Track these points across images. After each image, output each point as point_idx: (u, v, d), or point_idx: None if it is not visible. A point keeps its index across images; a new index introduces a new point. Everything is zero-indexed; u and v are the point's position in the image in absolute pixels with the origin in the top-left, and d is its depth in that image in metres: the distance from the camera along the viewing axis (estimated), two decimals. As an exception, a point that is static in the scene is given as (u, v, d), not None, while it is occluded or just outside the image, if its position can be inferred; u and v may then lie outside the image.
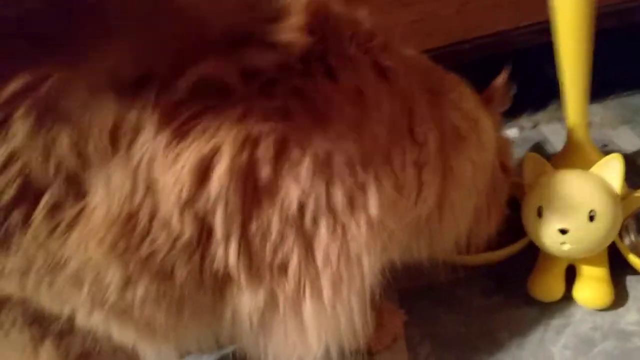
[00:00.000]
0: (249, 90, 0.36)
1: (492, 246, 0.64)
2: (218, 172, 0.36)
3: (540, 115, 0.87)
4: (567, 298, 0.57)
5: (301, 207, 0.38)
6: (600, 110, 0.85)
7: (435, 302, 0.62)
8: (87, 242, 0.35)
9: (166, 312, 0.39)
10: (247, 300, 0.40)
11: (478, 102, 0.53)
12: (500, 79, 0.58)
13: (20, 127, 0.32)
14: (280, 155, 0.37)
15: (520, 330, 0.56)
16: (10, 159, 0.33)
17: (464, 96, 0.51)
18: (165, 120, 0.35)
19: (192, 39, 0.35)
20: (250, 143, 0.36)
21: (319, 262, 0.40)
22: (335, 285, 0.41)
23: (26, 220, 0.34)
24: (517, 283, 0.60)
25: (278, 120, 0.37)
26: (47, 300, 0.37)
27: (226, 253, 0.38)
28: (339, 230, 0.40)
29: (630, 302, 0.56)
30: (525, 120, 0.88)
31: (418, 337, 0.58)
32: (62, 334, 0.40)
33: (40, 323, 0.40)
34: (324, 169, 0.38)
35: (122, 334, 0.40)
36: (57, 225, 0.34)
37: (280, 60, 0.37)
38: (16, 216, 0.34)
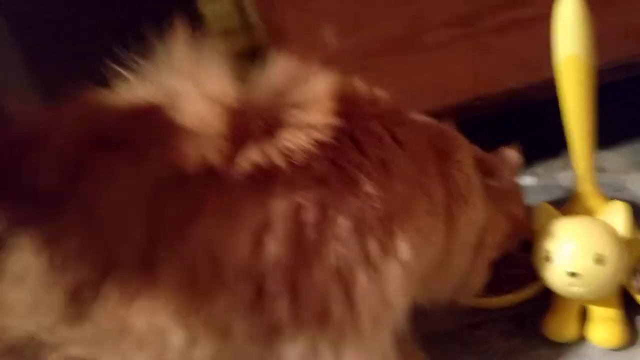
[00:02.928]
0: (290, 166, 0.43)
1: (509, 289, 0.68)
2: (271, 239, 0.42)
3: (554, 163, 0.91)
4: (583, 338, 0.60)
5: (341, 260, 0.44)
6: (613, 156, 0.89)
7: (457, 345, 0.65)
8: (153, 309, 0.40)
9: None
10: (291, 348, 0.45)
11: (476, 168, 0.58)
12: (502, 151, 0.62)
13: None
14: (321, 218, 0.43)
15: (538, 371, 0.59)
16: (86, 242, 0.39)
17: (466, 159, 0.57)
18: (223, 198, 0.41)
19: (238, 134, 0.42)
20: (296, 211, 0.42)
21: (359, 307, 0.45)
22: (374, 326, 0.46)
23: (96, 293, 0.39)
24: (536, 325, 0.63)
25: (318, 189, 0.43)
26: None
27: (277, 306, 0.43)
28: (375, 277, 0.45)
29: (642, 342, 0.58)
30: (541, 168, 0.92)
31: (441, 379, 0.61)
32: None
33: None
34: (358, 225, 0.44)
35: None
36: (123, 295, 0.40)
37: (315, 139, 0.44)
38: (87, 291, 0.39)
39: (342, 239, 0.43)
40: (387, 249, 0.45)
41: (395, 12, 0.81)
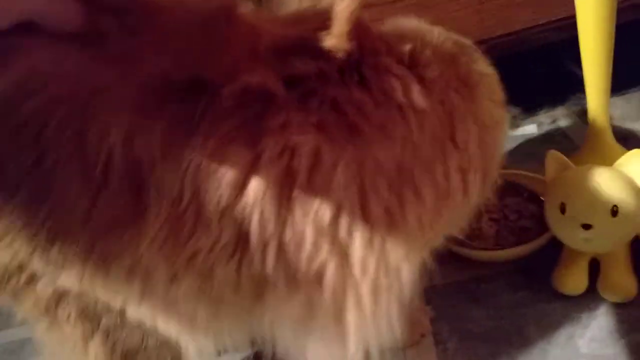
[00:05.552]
0: (289, 100, 0.38)
1: (517, 241, 0.66)
2: (255, 181, 0.37)
3: (558, 111, 0.88)
4: (593, 291, 0.59)
5: (335, 219, 0.39)
6: (622, 103, 0.86)
7: (462, 298, 0.63)
8: (140, 241, 0.37)
9: (205, 309, 0.41)
10: (286, 306, 0.41)
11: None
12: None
13: None
14: (314, 166, 0.38)
15: (547, 324, 0.57)
16: (71, 154, 0.35)
17: (494, 85, 0.49)
18: (212, 130, 0.36)
19: (243, 50, 0.37)
20: (287, 153, 0.37)
21: (356, 273, 0.40)
22: (375, 294, 0.41)
23: (87, 214, 0.36)
24: (543, 278, 0.62)
25: (313, 133, 0.38)
26: (101, 292, 0.40)
27: (263, 259, 0.39)
28: (376, 243, 0.40)
29: (655, 294, 0.57)
30: (544, 116, 0.89)
31: (446, 332, 0.60)
32: (110, 330, 0.43)
33: (91, 319, 0.43)
34: (357, 180, 0.39)
35: (166, 327, 0.42)
36: (115, 222, 0.36)
37: (320, 68, 0.38)
38: (79, 210, 0.36)
39: (335, 194, 0.38)
40: (392, 215, 0.39)
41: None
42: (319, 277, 0.40)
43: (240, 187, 0.37)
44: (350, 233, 0.39)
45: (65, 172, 0.36)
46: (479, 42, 0.82)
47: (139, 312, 0.41)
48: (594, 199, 0.54)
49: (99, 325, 0.43)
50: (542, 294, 0.60)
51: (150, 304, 0.40)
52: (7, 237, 0.37)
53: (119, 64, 0.36)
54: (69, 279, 0.39)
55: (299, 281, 0.40)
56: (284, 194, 0.38)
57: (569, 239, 0.57)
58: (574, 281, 0.59)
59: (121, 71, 0.36)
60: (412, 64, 0.42)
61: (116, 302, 0.41)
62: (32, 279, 0.40)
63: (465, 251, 0.66)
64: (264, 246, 0.39)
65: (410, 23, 0.46)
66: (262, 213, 0.38)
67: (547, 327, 0.57)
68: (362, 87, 0.40)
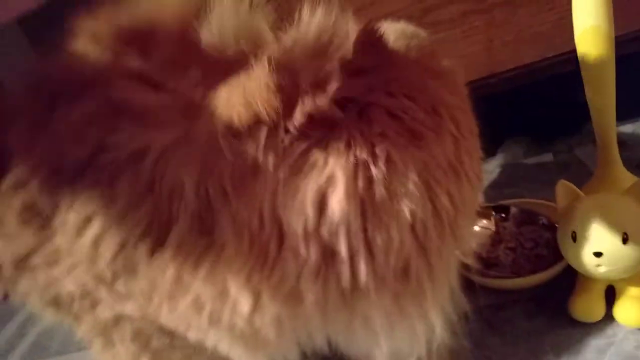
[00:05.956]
0: (347, 118, 0.40)
1: (533, 269, 0.67)
2: (336, 200, 0.39)
3: (574, 139, 0.89)
4: (609, 317, 0.59)
5: (413, 215, 0.41)
6: (633, 130, 0.87)
7: (480, 325, 0.64)
8: (222, 276, 0.39)
9: (288, 332, 0.42)
10: (376, 308, 0.43)
11: None
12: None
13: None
14: (389, 173, 0.40)
15: (565, 350, 0.58)
16: (140, 200, 0.38)
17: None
18: (280, 159, 0.39)
19: (288, 88, 0.39)
20: (361, 168, 0.40)
21: (433, 260, 0.43)
22: (448, 270, 0.45)
23: (153, 251, 0.39)
24: (560, 305, 0.62)
25: (380, 143, 0.40)
26: (166, 320, 0.42)
27: (354, 270, 0.40)
28: (447, 229, 0.43)
29: (672, 320, 0.57)
30: (560, 145, 0.90)
31: (464, 359, 0.61)
32: (158, 351, 0.45)
33: (142, 340, 0.45)
34: (424, 178, 0.41)
35: (232, 350, 0.43)
36: (185, 259, 0.38)
37: (368, 83, 0.41)
38: (143, 247, 0.39)
39: (410, 194, 0.40)
40: (455, 202, 0.43)
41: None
42: (405, 271, 0.42)
43: (321, 207, 0.39)
44: (425, 225, 0.42)
45: (135, 215, 0.39)
46: (491, 76, 0.85)
47: (202, 338, 0.43)
48: (603, 226, 0.55)
49: (148, 346, 0.45)
50: (559, 321, 0.61)
51: (219, 332, 0.41)
52: (75, 270, 0.41)
53: (183, 122, 0.39)
54: (133, 308, 0.42)
55: (387, 280, 0.42)
56: (367, 204, 0.40)
57: (582, 267, 0.58)
58: (591, 308, 0.60)
59: (186, 129, 0.39)
60: (431, 68, 0.46)
61: (179, 329, 0.43)
62: (94, 304, 0.43)
63: (482, 279, 0.67)
64: (354, 258, 0.40)
65: (403, 27, 0.49)
66: (348, 227, 0.40)
67: (565, 353, 0.58)
68: (409, 98, 0.43)
